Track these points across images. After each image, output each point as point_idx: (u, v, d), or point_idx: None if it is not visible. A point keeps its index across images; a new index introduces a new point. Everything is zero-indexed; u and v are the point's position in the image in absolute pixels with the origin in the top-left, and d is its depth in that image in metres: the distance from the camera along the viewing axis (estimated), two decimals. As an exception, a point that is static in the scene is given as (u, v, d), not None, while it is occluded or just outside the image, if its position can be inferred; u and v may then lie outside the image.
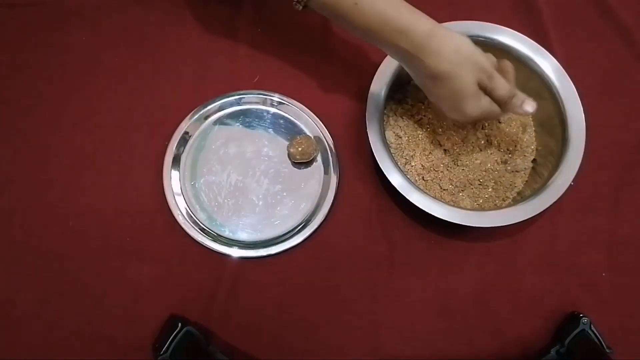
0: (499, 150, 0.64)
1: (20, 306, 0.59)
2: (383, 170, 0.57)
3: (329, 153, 0.64)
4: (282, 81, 0.67)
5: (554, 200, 0.57)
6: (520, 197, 0.61)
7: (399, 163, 0.60)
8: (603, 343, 0.56)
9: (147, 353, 0.57)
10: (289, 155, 0.64)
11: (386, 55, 0.61)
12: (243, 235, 0.62)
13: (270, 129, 0.66)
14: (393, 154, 0.60)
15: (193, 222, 0.62)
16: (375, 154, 0.58)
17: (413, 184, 0.57)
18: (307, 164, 0.65)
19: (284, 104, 0.66)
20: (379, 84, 0.61)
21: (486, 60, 0.52)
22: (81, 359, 0.58)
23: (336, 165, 0.64)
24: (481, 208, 0.61)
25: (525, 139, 0.64)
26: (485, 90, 0.53)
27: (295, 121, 0.66)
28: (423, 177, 0.62)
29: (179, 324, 0.55)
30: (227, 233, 0.62)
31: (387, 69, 0.61)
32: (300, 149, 0.62)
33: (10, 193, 0.63)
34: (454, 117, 0.55)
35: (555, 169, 0.58)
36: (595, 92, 0.66)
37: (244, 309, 0.60)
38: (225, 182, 0.64)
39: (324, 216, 0.62)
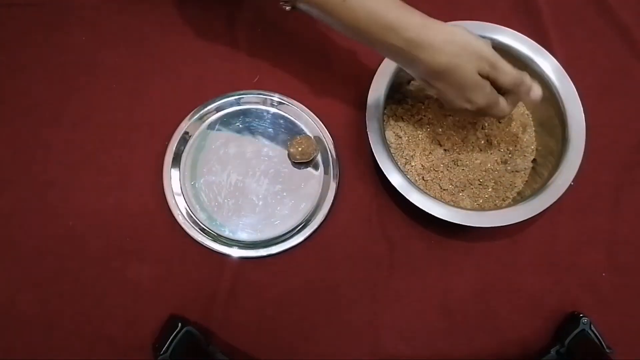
0: (499, 150, 0.64)
1: (20, 306, 0.59)
2: (383, 170, 0.57)
3: (329, 153, 0.64)
4: (282, 81, 0.67)
5: (554, 200, 0.57)
6: (520, 197, 0.61)
7: (399, 163, 0.60)
8: (603, 343, 0.56)
9: (147, 353, 0.57)
10: (289, 155, 0.64)
11: (386, 55, 0.61)
12: (243, 235, 0.62)
13: (270, 129, 0.66)
14: (393, 154, 0.60)
15: (193, 222, 0.62)
16: (375, 154, 0.58)
17: (413, 184, 0.57)
18: (307, 164, 0.65)
19: (284, 104, 0.66)
20: (379, 84, 0.61)
21: (485, 46, 0.50)
22: (81, 359, 0.58)
23: (336, 165, 0.64)
24: (481, 208, 0.61)
25: (525, 139, 0.64)
26: (489, 78, 0.51)
27: (295, 121, 0.66)
28: (423, 177, 0.62)
29: (179, 324, 0.55)
30: (227, 233, 0.62)
31: (387, 68, 0.61)
32: (300, 149, 0.62)
33: (10, 193, 0.63)
34: (463, 107, 0.53)
35: (555, 169, 0.58)
36: (595, 92, 0.66)
37: (244, 309, 0.60)
38: (225, 182, 0.64)
39: (324, 216, 0.62)
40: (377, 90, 0.61)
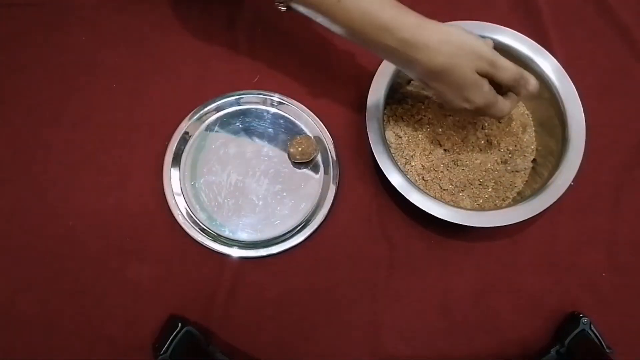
0: (499, 150, 0.64)
1: (20, 306, 0.59)
2: (383, 170, 0.57)
3: (329, 153, 0.64)
4: (282, 81, 0.68)
5: (554, 200, 0.57)
6: (520, 197, 0.61)
7: (399, 163, 0.60)
8: (603, 343, 0.56)
9: (147, 353, 0.57)
10: (289, 155, 0.64)
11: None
12: (243, 235, 0.62)
13: (270, 129, 0.66)
14: (393, 154, 0.60)
15: (193, 222, 0.62)
16: (375, 154, 0.58)
17: (413, 184, 0.57)
18: (307, 164, 0.65)
19: (284, 104, 0.66)
20: (379, 84, 0.61)
21: (483, 45, 0.50)
22: (81, 359, 0.58)
23: (336, 165, 0.64)
24: (481, 208, 0.61)
25: (525, 139, 0.64)
26: (488, 76, 0.51)
27: (295, 121, 0.66)
28: (423, 177, 0.62)
29: (179, 324, 0.55)
30: (227, 233, 0.62)
31: (387, 69, 0.61)
32: (300, 149, 0.62)
33: (10, 193, 0.63)
34: (462, 107, 0.53)
35: (555, 169, 0.58)
36: (595, 92, 0.66)
37: (244, 309, 0.60)
38: (225, 182, 0.64)
39: (324, 216, 0.62)
40: (377, 90, 0.61)
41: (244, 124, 0.66)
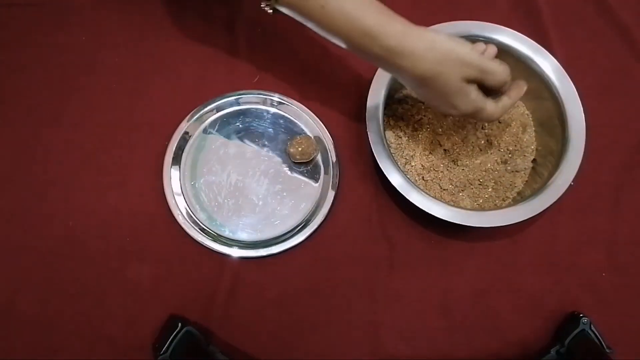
0: (499, 150, 0.64)
1: (20, 306, 0.59)
2: (383, 170, 0.57)
3: (329, 153, 0.64)
4: (282, 81, 0.67)
5: (554, 200, 0.57)
6: (520, 197, 0.61)
7: (399, 163, 0.60)
8: (603, 343, 0.56)
9: (147, 353, 0.57)
10: (289, 155, 0.64)
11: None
12: (243, 235, 0.62)
13: (270, 129, 0.66)
14: (393, 154, 0.60)
15: (193, 222, 0.62)
16: (375, 154, 0.58)
17: (413, 184, 0.57)
18: (307, 164, 0.65)
19: (284, 104, 0.66)
20: (379, 84, 0.61)
21: (470, 52, 0.49)
22: (81, 359, 0.58)
23: (336, 165, 0.64)
24: (481, 208, 0.61)
25: (525, 139, 0.64)
26: (477, 82, 0.50)
27: (295, 121, 0.66)
28: (423, 177, 0.62)
29: (179, 324, 0.55)
30: (227, 233, 0.62)
31: (387, 69, 0.61)
32: (300, 149, 0.62)
33: (10, 193, 0.63)
34: (449, 113, 0.53)
35: (555, 169, 0.58)
36: (595, 92, 0.66)
37: (244, 309, 0.60)
38: (225, 182, 0.64)
39: (324, 216, 0.62)
40: (377, 90, 0.61)
41: (243, 124, 0.66)
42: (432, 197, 0.57)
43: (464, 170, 0.62)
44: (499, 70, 0.50)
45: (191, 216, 0.62)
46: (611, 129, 0.66)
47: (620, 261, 0.62)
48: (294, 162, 0.64)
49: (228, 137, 0.65)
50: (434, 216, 0.56)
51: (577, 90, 0.60)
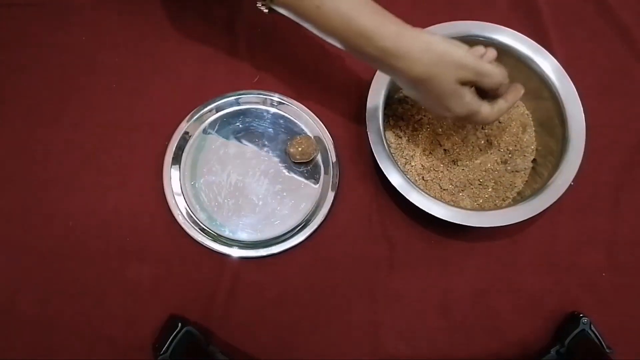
0: (499, 150, 0.64)
1: (20, 306, 0.59)
2: (383, 170, 0.57)
3: (329, 153, 0.64)
4: (282, 81, 0.67)
5: (554, 200, 0.57)
6: (520, 197, 0.61)
7: (399, 163, 0.60)
8: (603, 343, 0.56)
9: (147, 353, 0.57)
10: (289, 155, 0.64)
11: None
12: (243, 235, 0.62)
13: (270, 129, 0.66)
14: (393, 154, 0.60)
15: (193, 222, 0.62)
16: (375, 154, 0.58)
17: (413, 184, 0.57)
18: (307, 164, 0.65)
19: (284, 104, 0.66)
20: (379, 84, 0.61)
21: (465, 54, 0.49)
22: (81, 359, 0.58)
23: (336, 165, 0.64)
24: (481, 208, 0.61)
25: (525, 139, 0.64)
26: (472, 84, 0.50)
27: (295, 121, 0.66)
28: (423, 177, 0.62)
29: (179, 324, 0.55)
30: (227, 233, 0.62)
31: (387, 69, 0.61)
32: (300, 149, 0.62)
33: (10, 193, 0.63)
34: (444, 115, 0.53)
35: (555, 169, 0.58)
36: (595, 92, 0.66)
37: (244, 309, 0.60)
38: (225, 182, 0.64)
39: (324, 216, 0.62)
40: (377, 90, 0.61)
41: (243, 124, 0.66)
42: (432, 197, 0.57)
43: (464, 170, 0.62)
44: (495, 73, 0.50)
45: (191, 216, 0.62)
46: (611, 129, 0.66)
47: (620, 261, 0.62)
48: (294, 162, 0.64)
49: (228, 137, 0.65)
50: (434, 216, 0.56)
51: (577, 90, 0.60)
